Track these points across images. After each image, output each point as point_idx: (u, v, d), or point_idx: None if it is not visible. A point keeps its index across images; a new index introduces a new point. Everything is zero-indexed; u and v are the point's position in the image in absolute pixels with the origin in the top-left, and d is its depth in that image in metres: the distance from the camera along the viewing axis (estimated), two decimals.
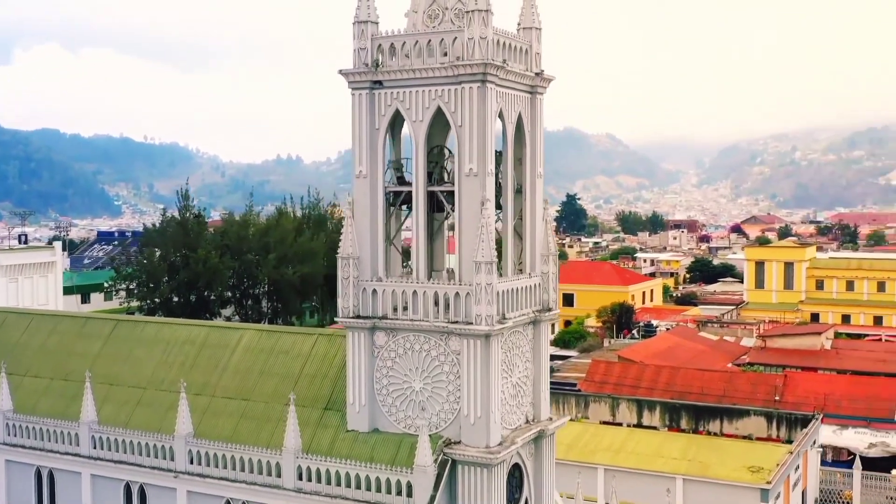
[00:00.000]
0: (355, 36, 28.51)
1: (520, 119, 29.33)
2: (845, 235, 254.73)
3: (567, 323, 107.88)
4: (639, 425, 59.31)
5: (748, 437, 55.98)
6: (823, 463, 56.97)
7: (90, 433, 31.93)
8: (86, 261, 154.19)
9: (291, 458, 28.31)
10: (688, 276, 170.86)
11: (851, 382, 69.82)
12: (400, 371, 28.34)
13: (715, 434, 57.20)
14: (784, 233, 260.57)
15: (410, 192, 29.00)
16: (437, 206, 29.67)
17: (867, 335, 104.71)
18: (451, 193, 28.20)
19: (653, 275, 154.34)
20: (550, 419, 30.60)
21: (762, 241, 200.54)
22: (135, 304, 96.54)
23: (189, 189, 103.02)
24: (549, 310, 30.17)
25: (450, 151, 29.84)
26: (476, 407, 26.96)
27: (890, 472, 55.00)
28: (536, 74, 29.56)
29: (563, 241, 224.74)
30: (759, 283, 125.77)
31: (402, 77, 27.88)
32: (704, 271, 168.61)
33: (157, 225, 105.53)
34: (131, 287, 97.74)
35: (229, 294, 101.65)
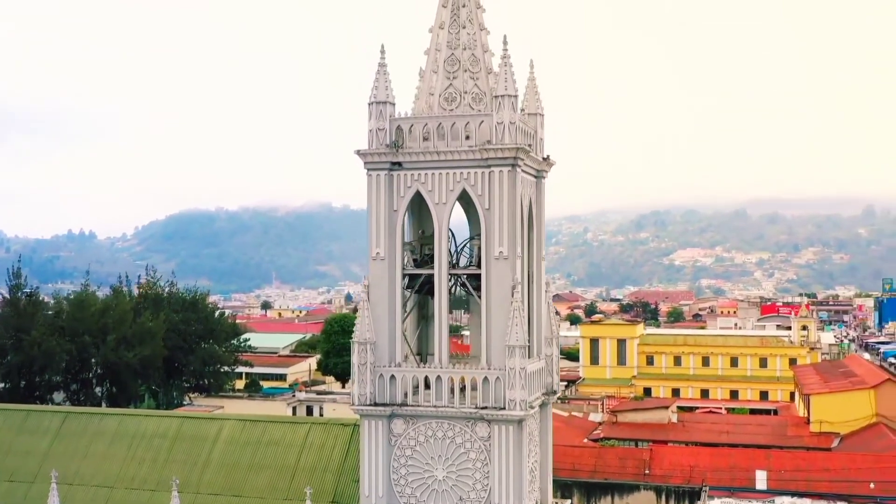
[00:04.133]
0: (372, 116, 28.05)
1: (530, 203, 29.63)
2: (646, 313, 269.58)
3: None
4: None
5: None
6: None
7: None
8: None
9: None
10: None
11: (712, 454, 73.05)
12: (420, 460, 27.39)
13: None
14: (590, 310, 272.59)
15: (422, 275, 28.55)
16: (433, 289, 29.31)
17: (697, 408, 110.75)
18: (473, 276, 27.99)
19: None
20: (556, 503, 30.44)
21: (574, 320, 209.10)
22: None
23: (20, 267, 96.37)
24: (554, 392, 30.25)
25: (452, 234, 29.67)
26: (508, 495, 26.40)
27: None
28: (543, 159, 30.11)
29: None
30: (594, 360, 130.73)
31: (425, 159, 27.64)
32: None
33: None
34: None
35: (58, 378, 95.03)
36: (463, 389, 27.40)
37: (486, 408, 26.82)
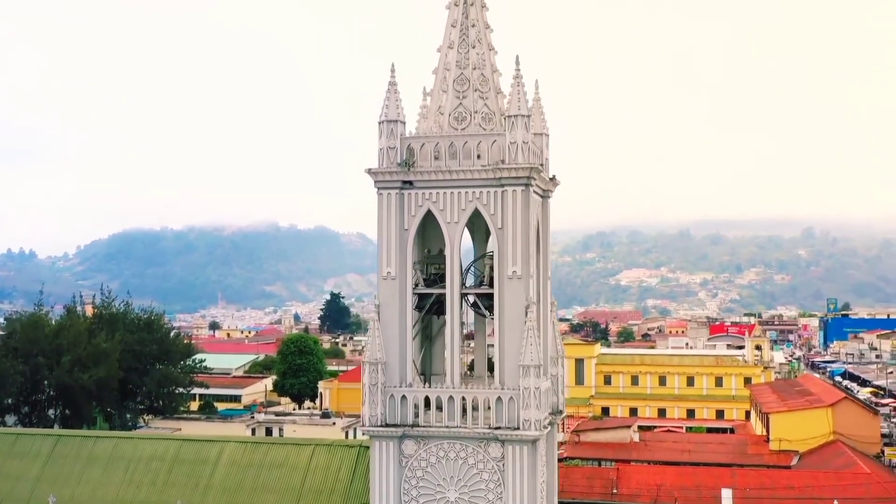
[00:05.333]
0: (383, 135, 27.98)
1: (538, 223, 29.69)
2: (596, 332, 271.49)
3: None
4: None
5: None
6: None
7: None
8: None
9: None
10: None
11: (677, 473, 73.49)
12: (432, 481, 27.17)
13: None
14: None
15: (432, 295, 28.42)
16: (441, 309, 29.28)
17: (655, 427, 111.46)
18: (484, 296, 27.93)
19: None
20: None
21: None
22: None
23: None
24: (560, 412, 30.24)
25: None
26: None
27: None
28: (550, 179, 30.22)
29: (337, 340, 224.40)
30: None
31: (436, 178, 27.59)
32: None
33: None
34: None
35: (10, 401, 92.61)
36: (475, 409, 27.27)
37: (499, 428, 26.71)
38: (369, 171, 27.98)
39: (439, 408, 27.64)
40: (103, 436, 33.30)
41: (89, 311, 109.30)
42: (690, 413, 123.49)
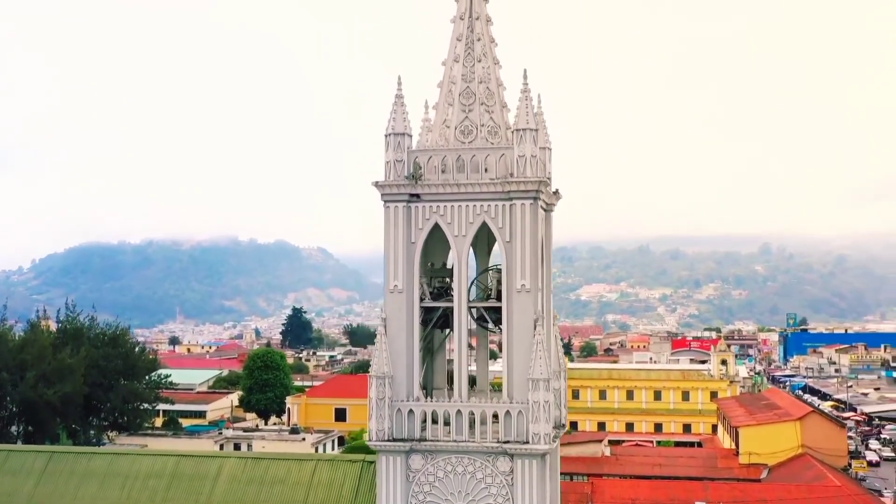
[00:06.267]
0: (389, 147, 27.85)
1: (541, 236, 29.69)
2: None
3: (342, 440, 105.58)
4: None
5: None
6: None
7: None
8: None
9: None
10: None
11: (651, 486, 74.01)
12: (440, 496, 26.95)
13: None
14: None
15: (439, 308, 28.32)
16: (444, 323, 29.22)
17: (623, 441, 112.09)
18: (490, 309, 27.87)
19: None
20: None
21: (492, 355, 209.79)
22: None
23: None
24: (563, 426, 30.22)
25: (448, 269, 29.74)
26: None
27: None
28: (553, 192, 30.29)
29: (301, 355, 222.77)
30: None
31: (444, 191, 27.52)
32: None
33: None
34: None
35: None
36: (482, 423, 27.14)
37: (508, 442, 26.61)
38: (376, 184, 27.85)
39: (445, 422, 27.48)
40: (99, 452, 32.59)
41: (51, 325, 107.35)
42: (658, 427, 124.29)
